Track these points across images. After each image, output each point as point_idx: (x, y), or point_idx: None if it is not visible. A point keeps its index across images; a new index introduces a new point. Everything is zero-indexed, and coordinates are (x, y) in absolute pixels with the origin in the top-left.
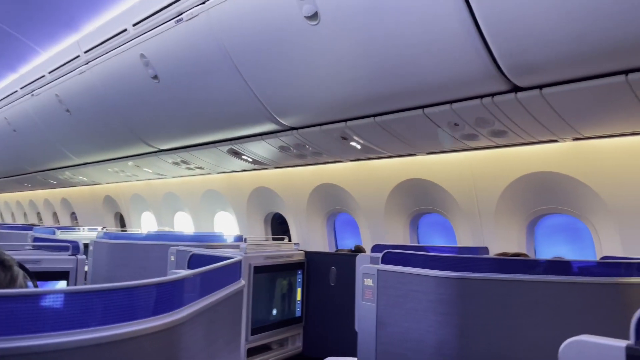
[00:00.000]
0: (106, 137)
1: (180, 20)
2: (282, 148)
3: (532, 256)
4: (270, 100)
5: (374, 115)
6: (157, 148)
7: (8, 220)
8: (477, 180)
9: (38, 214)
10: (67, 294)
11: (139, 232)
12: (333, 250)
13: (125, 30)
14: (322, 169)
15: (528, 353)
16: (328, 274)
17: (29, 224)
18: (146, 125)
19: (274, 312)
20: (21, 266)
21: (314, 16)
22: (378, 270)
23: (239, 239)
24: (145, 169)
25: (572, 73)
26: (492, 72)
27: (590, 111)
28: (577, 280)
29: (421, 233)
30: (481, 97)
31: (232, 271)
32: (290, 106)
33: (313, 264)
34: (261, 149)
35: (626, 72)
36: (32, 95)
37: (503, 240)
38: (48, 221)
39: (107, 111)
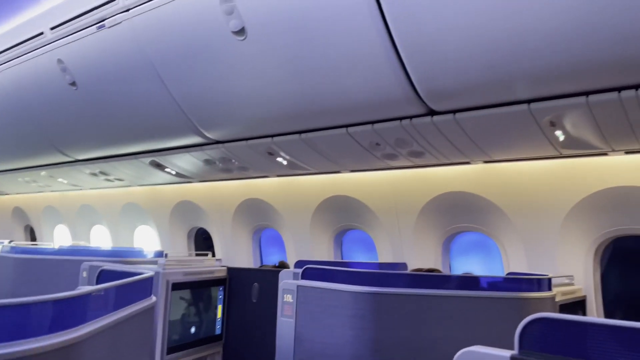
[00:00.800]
0: (17, 144)
1: (102, 26)
2: (207, 162)
3: (448, 272)
4: (195, 112)
5: (300, 132)
6: (73, 158)
7: None
8: (398, 198)
9: None
10: None
11: (51, 246)
12: (258, 266)
13: (41, 33)
14: (248, 184)
15: None
16: (250, 291)
17: None
18: (62, 133)
19: (193, 329)
20: None
21: (241, 31)
22: (298, 285)
23: (160, 254)
24: (60, 180)
25: (482, 100)
26: (411, 95)
27: (498, 136)
28: (485, 295)
29: (345, 249)
30: (401, 119)
31: (141, 288)
32: (216, 120)
33: (235, 280)
34: (185, 162)
35: (529, 101)
36: None
37: (421, 256)
38: None
39: (20, 117)
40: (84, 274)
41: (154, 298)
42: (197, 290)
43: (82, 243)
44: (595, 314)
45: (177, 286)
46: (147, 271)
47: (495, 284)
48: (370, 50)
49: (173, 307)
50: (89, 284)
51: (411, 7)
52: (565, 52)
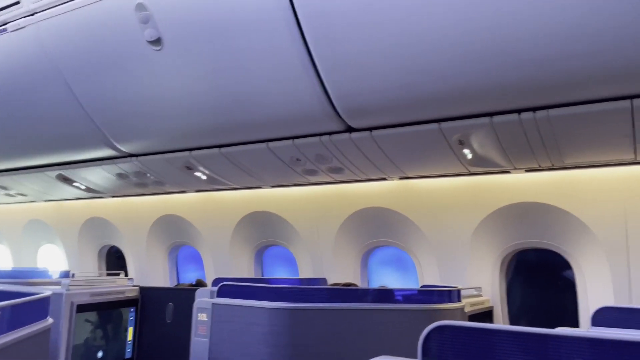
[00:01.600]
0: None
1: (4, 30)
2: (120, 176)
3: (365, 286)
4: (107, 124)
5: (220, 146)
6: None
7: None
8: (318, 213)
9: None
10: None
11: None
12: (174, 285)
13: None
14: (165, 200)
15: None
16: (165, 311)
17: None
18: None
19: (100, 354)
20: None
21: (157, 41)
22: (213, 304)
23: (66, 274)
24: None
25: (398, 118)
26: (329, 112)
27: (412, 153)
28: (398, 308)
29: (266, 265)
30: (320, 134)
31: (35, 309)
32: (130, 132)
33: (148, 301)
34: (96, 176)
35: (439, 120)
36: None
37: (341, 271)
38: None
39: None
40: None
41: (50, 320)
42: (106, 311)
43: None
44: (501, 323)
45: (82, 308)
46: (47, 292)
47: (408, 296)
48: (289, 65)
49: (78, 331)
50: None
51: (329, 26)
52: (470, 75)
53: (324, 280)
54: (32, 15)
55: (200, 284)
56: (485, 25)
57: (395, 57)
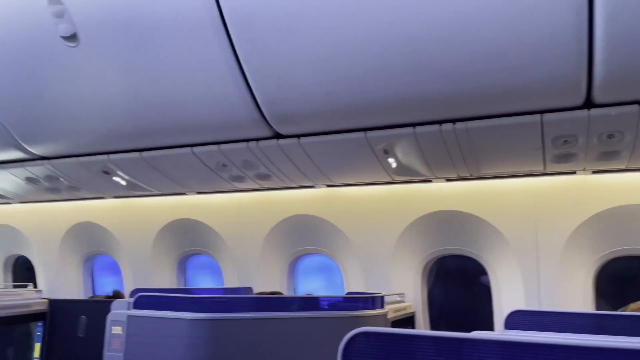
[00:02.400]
0: None
1: None
2: (29, 180)
3: (292, 294)
4: (15, 124)
5: (140, 150)
6: None
7: None
8: (245, 221)
9: None
10: None
11: None
12: (88, 297)
13: None
14: (80, 206)
15: None
16: (77, 325)
17: None
18: None
19: None
20: None
21: (73, 37)
22: (128, 316)
23: None
24: None
25: (325, 126)
26: (257, 118)
27: (339, 161)
28: (323, 315)
29: (190, 275)
30: (247, 140)
31: None
32: (41, 132)
33: (59, 314)
34: (2, 180)
35: (365, 129)
36: None
37: (268, 279)
38: None
39: None
40: None
41: None
42: (8, 327)
43: None
44: (423, 328)
45: None
46: None
47: (333, 303)
48: (216, 69)
49: None
50: None
51: (257, 31)
52: (393, 86)
53: (249, 290)
54: None
55: (117, 295)
56: (406, 39)
57: (321, 66)
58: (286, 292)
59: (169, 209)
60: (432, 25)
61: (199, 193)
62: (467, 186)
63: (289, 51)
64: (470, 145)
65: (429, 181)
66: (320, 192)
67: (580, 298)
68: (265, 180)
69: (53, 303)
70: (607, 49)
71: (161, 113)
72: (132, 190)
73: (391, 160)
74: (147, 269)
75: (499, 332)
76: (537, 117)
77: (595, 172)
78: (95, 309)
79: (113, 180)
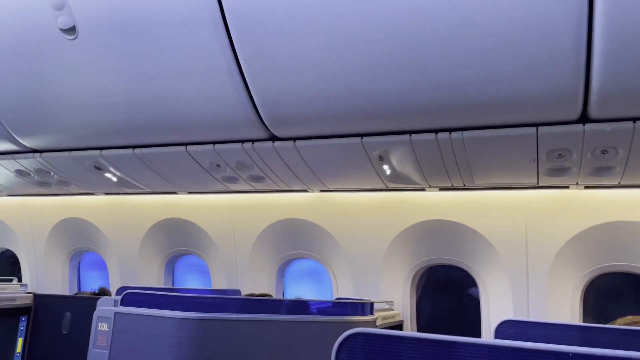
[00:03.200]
0: None
1: None
2: (19, 172)
3: (280, 297)
4: (7, 114)
5: (134, 147)
6: None
7: None
8: (236, 223)
9: None
10: None
11: None
12: (74, 293)
13: None
14: (69, 201)
15: None
16: (61, 321)
17: None
18: None
19: None
20: None
21: (72, 30)
22: (115, 312)
23: None
24: None
25: (321, 130)
26: (253, 119)
27: (334, 166)
28: (313, 319)
29: (178, 275)
30: (243, 141)
31: None
32: (33, 125)
33: (43, 309)
34: None
35: (361, 135)
36: None
37: (256, 282)
38: None
39: None
40: None
41: None
42: None
43: None
44: None
45: None
46: None
47: (323, 308)
48: (214, 68)
49: None
50: None
51: (258, 32)
52: (390, 93)
53: (237, 292)
54: None
55: (103, 292)
56: (405, 47)
57: (319, 70)
58: (275, 296)
59: (159, 207)
60: (431, 34)
61: (190, 193)
62: (459, 196)
63: (288, 54)
64: (465, 155)
65: (422, 190)
66: (313, 197)
67: (567, 312)
68: (258, 182)
69: (38, 298)
70: (604, 65)
71: (157, 110)
72: (123, 187)
73: (386, 167)
74: (135, 267)
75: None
76: (532, 129)
77: (587, 187)
78: (81, 306)
79: (104, 176)
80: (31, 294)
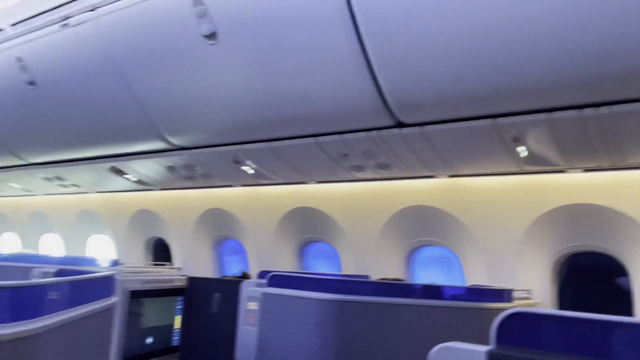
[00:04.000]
0: None
1: (66, 25)
2: (169, 168)
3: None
4: (160, 117)
5: (268, 141)
6: (27, 161)
7: None
8: (363, 210)
9: None
10: None
11: None
12: (219, 277)
13: (1, 30)
14: (211, 193)
15: None
16: (210, 301)
17: None
18: (17, 134)
19: (149, 339)
20: None
21: (212, 36)
22: (263, 293)
23: (115, 263)
24: (12, 184)
25: (450, 113)
26: (380, 107)
27: (463, 150)
28: (448, 305)
29: (308, 261)
30: (369, 130)
31: (101, 286)
32: (181, 125)
33: (195, 290)
34: (147, 169)
35: (494, 116)
36: None
37: (384, 269)
38: None
39: None
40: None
41: (114, 298)
42: (155, 299)
43: (27, 251)
44: None
45: (135, 294)
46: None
47: (458, 294)
48: (341, 61)
49: (129, 316)
50: None
51: (385, 20)
52: (528, 69)
53: (366, 278)
54: (92, 10)
55: (245, 276)
56: (544, 17)
57: (450, 52)
58: (405, 281)
59: (290, 197)
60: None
61: (319, 182)
62: (606, 177)
63: (415, 38)
64: (616, 132)
65: (562, 171)
66: (440, 183)
67: None
68: (385, 169)
69: (191, 280)
70: None
71: (289, 105)
72: (258, 179)
73: (521, 149)
74: (270, 253)
75: None
76: None
77: None
78: (227, 287)
79: (242, 169)
80: (185, 277)
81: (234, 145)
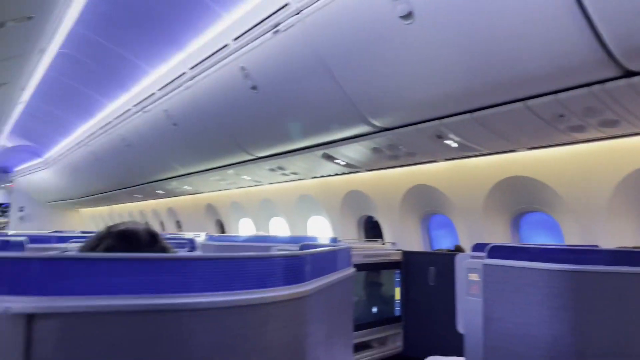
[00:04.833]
0: (209, 147)
1: (277, 31)
2: (374, 150)
3: None
4: (363, 102)
5: (471, 111)
6: (255, 155)
7: None
8: (585, 175)
9: (146, 223)
10: (213, 261)
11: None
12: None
13: (226, 45)
14: (415, 170)
15: None
16: (426, 274)
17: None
18: (245, 133)
19: (374, 309)
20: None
21: (409, 15)
22: (484, 264)
23: (334, 240)
24: (244, 177)
25: None
26: (602, 56)
27: None
28: None
29: (523, 232)
30: (590, 84)
31: (343, 257)
32: (383, 107)
33: (411, 264)
34: (354, 152)
35: None
36: (144, 112)
37: (618, 238)
38: (156, 229)
39: (210, 122)
40: None
41: (353, 268)
42: (376, 272)
43: (261, 233)
44: None
45: (358, 267)
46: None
47: None
48: (549, 11)
49: (355, 288)
50: None
51: None
52: None
53: (595, 247)
54: (298, 13)
55: (458, 249)
56: None
57: None
58: None
59: (498, 167)
60: None
61: (530, 149)
62: None
63: None
64: None
65: None
66: None
67: None
68: (611, 127)
69: (406, 254)
70: None
71: (493, 71)
72: (462, 152)
73: None
74: (480, 226)
75: None
76: None
77: None
78: (441, 261)
79: (444, 143)
80: (400, 251)
81: (435, 120)
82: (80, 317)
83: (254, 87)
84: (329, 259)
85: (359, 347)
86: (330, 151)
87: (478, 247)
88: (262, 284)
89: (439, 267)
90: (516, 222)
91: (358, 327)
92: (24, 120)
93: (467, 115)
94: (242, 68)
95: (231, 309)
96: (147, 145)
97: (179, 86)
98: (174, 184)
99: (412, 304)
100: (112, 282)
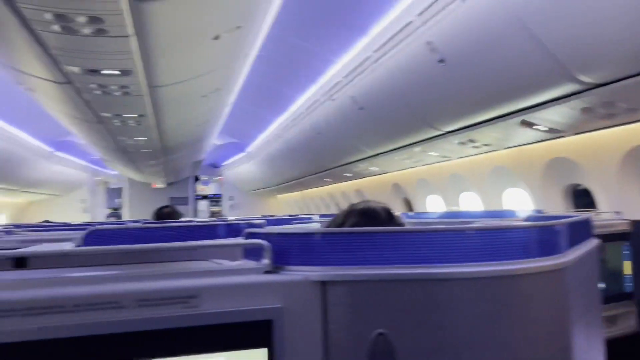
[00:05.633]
0: (394, 127)
1: None
2: (584, 110)
3: None
4: (570, 57)
5: None
6: (443, 130)
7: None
8: None
9: (336, 205)
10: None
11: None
12: None
13: (410, 22)
14: (634, 128)
15: None
16: None
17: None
18: (432, 109)
19: (601, 285)
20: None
21: None
22: None
23: (539, 212)
24: (431, 153)
25: None
26: None
27: None
28: None
29: None
30: None
31: (586, 228)
32: (595, 60)
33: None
34: (558, 115)
35: None
36: (331, 100)
37: None
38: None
39: (395, 102)
40: None
41: (595, 240)
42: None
43: (454, 208)
44: None
45: None
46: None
47: None
48: None
49: None
50: None
51: None
52: None
53: None
54: None
55: None
56: None
57: None
58: None
59: None
60: None
61: None
62: None
63: None
64: None
65: None
66: None
67: None
68: None
69: (637, 224)
70: None
71: None
72: None
73: None
74: None
75: None
76: None
77: None
78: None
79: None
80: (629, 220)
81: None
82: (366, 284)
83: (441, 61)
84: (577, 230)
85: None
86: (529, 117)
87: None
88: (525, 255)
89: None
90: None
91: None
92: (229, 119)
93: None
94: (428, 43)
95: (498, 279)
96: (335, 131)
97: (363, 70)
98: (361, 166)
99: None
100: (390, 254)
